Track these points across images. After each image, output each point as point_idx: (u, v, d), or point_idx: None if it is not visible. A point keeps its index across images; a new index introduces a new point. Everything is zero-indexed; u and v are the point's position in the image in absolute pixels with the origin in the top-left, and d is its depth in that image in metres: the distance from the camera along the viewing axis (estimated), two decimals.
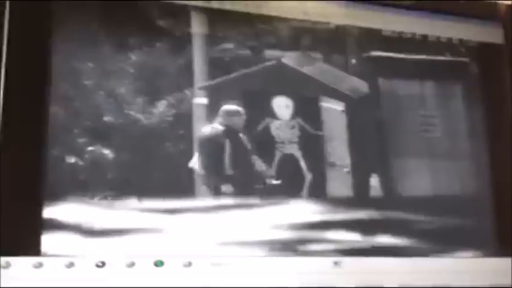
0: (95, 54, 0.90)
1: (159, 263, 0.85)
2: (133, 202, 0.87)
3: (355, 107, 1.02)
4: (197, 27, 0.97)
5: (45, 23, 0.88)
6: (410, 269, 0.96)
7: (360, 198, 0.99)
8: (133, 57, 0.92)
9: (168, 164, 0.90)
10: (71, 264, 0.82)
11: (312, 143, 0.99)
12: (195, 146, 0.92)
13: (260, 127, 0.97)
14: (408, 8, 1.09)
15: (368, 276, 0.94)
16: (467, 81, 1.10)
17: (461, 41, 1.10)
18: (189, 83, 0.94)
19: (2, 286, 0.78)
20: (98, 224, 0.85)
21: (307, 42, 1.03)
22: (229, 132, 0.94)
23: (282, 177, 0.95)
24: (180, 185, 0.90)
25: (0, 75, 0.84)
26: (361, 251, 0.95)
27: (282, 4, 1.02)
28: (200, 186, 0.91)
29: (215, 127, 0.94)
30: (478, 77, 1.10)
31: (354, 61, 1.05)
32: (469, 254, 1.01)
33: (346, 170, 0.99)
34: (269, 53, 1.00)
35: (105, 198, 0.86)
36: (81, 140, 0.87)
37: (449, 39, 1.10)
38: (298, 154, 0.97)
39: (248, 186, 0.93)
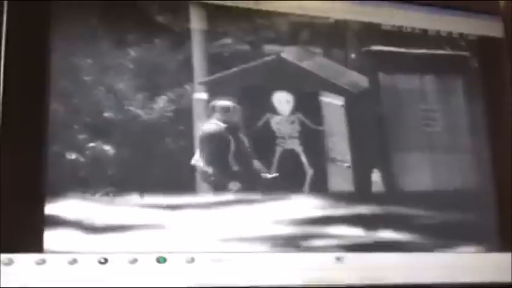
0: (94, 50, 0.90)
1: (161, 260, 0.85)
2: (135, 198, 0.87)
3: (355, 101, 1.02)
4: (196, 22, 0.97)
5: (44, 19, 0.88)
6: (413, 265, 0.96)
7: (361, 193, 0.99)
8: (133, 53, 0.92)
9: (169, 160, 0.90)
10: (73, 261, 0.82)
11: (313, 138, 0.99)
12: (196, 142, 0.92)
13: (260, 122, 0.97)
14: (408, 2, 1.08)
15: (370, 272, 0.94)
16: (467, 75, 1.09)
17: (461, 35, 1.10)
18: (189, 78, 0.94)
19: (4, 283, 0.78)
20: (100, 221, 0.85)
21: (306, 37, 1.03)
22: (229, 128, 0.94)
23: (283, 172, 0.95)
24: (181, 181, 0.90)
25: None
26: (363, 246, 0.95)
27: None
28: (202, 182, 0.91)
29: (214, 123, 0.94)
30: (478, 70, 1.10)
31: (353, 55, 1.05)
32: (471, 249, 1.01)
33: (346, 165, 0.99)
34: (268, 47, 1.00)
35: (107, 194, 0.86)
36: (81, 137, 0.87)
37: (449, 33, 1.10)
38: (299, 149, 0.97)
39: (250, 182, 0.93)
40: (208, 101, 0.94)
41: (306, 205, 0.95)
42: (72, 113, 0.87)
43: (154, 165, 0.89)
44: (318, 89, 1.01)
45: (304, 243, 0.93)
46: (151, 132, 0.90)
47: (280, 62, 1.00)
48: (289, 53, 1.01)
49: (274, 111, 0.98)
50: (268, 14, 1.01)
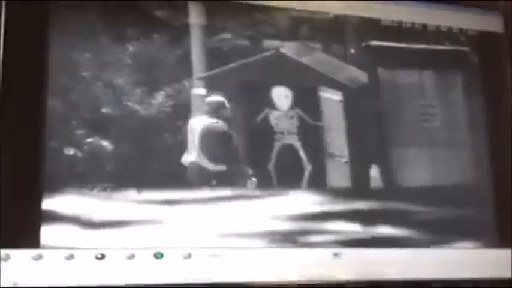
0: (92, 45, 0.90)
1: (159, 255, 0.85)
2: (132, 194, 0.87)
3: (354, 97, 1.02)
4: (195, 17, 0.96)
5: (43, 14, 0.87)
6: (411, 260, 0.96)
7: (359, 189, 0.98)
8: (131, 48, 0.92)
9: (167, 156, 0.90)
10: (70, 257, 0.82)
11: (311, 134, 0.98)
12: (195, 137, 0.92)
13: (259, 117, 0.96)
14: None
15: (368, 267, 0.94)
16: (467, 71, 1.09)
17: (461, 30, 1.10)
18: (188, 73, 0.94)
19: (1, 278, 0.78)
20: (97, 216, 0.85)
21: (305, 32, 1.03)
22: (227, 123, 0.94)
23: (282, 167, 0.95)
24: (179, 177, 0.90)
25: None
26: (361, 242, 0.95)
27: None
28: (200, 177, 0.91)
29: (212, 118, 0.94)
30: (478, 66, 1.09)
31: (352, 51, 1.04)
32: (470, 244, 1.01)
33: (344, 160, 0.99)
34: (267, 43, 1.00)
35: (104, 189, 0.86)
36: (79, 132, 0.87)
37: (449, 28, 1.09)
38: (297, 144, 0.97)
39: (249, 178, 0.93)
40: (207, 97, 0.94)
41: (304, 201, 0.94)
42: (70, 109, 0.87)
43: (152, 161, 0.89)
44: (316, 84, 1.01)
45: (302, 239, 0.93)
46: (149, 127, 0.90)
47: (280, 57, 1.00)
48: (288, 48, 1.01)
49: (273, 106, 0.98)
50: (267, 9, 1.01)
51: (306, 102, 0.99)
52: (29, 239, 0.81)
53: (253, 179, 0.93)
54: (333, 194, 0.96)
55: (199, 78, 0.94)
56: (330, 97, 1.00)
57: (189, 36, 0.96)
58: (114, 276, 0.83)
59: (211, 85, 0.95)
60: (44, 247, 0.81)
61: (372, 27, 1.06)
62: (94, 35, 0.91)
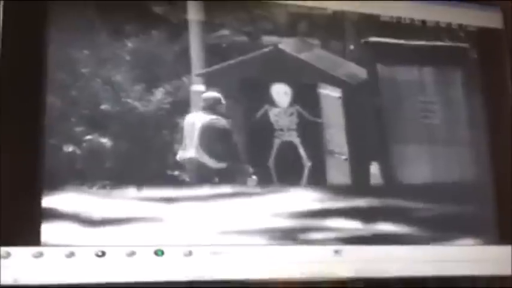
0: (91, 42, 0.90)
1: (159, 252, 0.85)
2: (132, 191, 0.87)
3: (353, 93, 1.02)
4: (194, 13, 0.96)
5: (41, 11, 0.87)
6: (411, 257, 0.96)
7: (359, 186, 0.98)
8: (130, 44, 0.92)
9: (166, 152, 0.90)
10: (71, 254, 0.82)
11: (311, 130, 0.98)
12: (195, 133, 0.92)
13: (259, 114, 0.96)
14: None
15: (369, 264, 0.94)
16: (466, 67, 1.09)
17: (460, 26, 1.10)
18: (187, 70, 0.94)
19: (2, 276, 0.78)
20: (98, 214, 0.84)
21: (304, 28, 1.03)
22: (227, 120, 0.94)
23: (281, 165, 0.95)
24: (179, 174, 0.90)
25: None
26: (361, 239, 0.95)
27: None
28: (200, 175, 0.91)
29: (212, 115, 0.93)
30: (477, 62, 1.09)
31: (352, 47, 1.04)
32: (470, 241, 1.01)
33: (343, 157, 0.99)
34: (266, 39, 1.00)
35: (104, 187, 0.86)
36: (78, 129, 0.87)
37: (449, 24, 1.09)
38: (297, 141, 0.97)
39: (248, 175, 0.93)
40: (204, 93, 0.94)
41: (304, 198, 0.94)
42: (69, 105, 0.87)
43: (151, 158, 0.89)
44: (316, 80, 1.01)
45: (302, 236, 0.92)
46: (148, 124, 0.90)
47: (278, 53, 1.00)
48: (287, 45, 1.01)
49: (272, 103, 0.97)
50: (266, 5, 1.00)
51: (306, 98, 0.99)
52: (29, 236, 0.81)
53: (254, 176, 0.93)
54: (332, 191, 0.96)
55: (198, 75, 0.94)
56: (329, 94, 1.00)
57: (188, 33, 0.95)
58: (115, 273, 0.83)
59: (210, 82, 0.94)
60: (45, 245, 0.81)
61: (371, 23, 1.06)
62: (92, 31, 0.90)
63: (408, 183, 1.01)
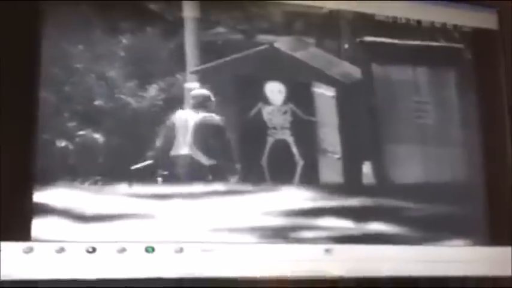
0: (85, 37, 0.90)
1: (150, 249, 0.85)
2: (123, 187, 0.87)
3: (347, 92, 1.01)
4: (189, 11, 0.96)
5: (35, 6, 0.87)
6: (402, 257, 0.96)
7: (352, 185, 0.98)
8: (125, 40, 0.92)
9: (159, 149, 0.90)
10: (61, 250, 0.82)
11: (304, 129, 0.98)
12: (189, 130, 0.92)
13: (252, 112, 0.96)
14: None
15: (359, 264, 0.94)
16: (461, 67, 1.09)
17: (455, 26, 1.10)
18: (181, 67, 0.94)
19: None
20: (89, 209, 0.84)
21: (300, 27, 1.02)
22: (220, 117, 0.94)
23: (274, 163, 0.95)
24: (171, 171, 0.90)
25: None
26: (352, 238, 0.95)
27: None
28: (192, 172, 0.91)
29: (205, 112, 0.93)
30: (471, 63, 1.09)
31: (346, 46, 1.04)
32: (461, 242, 1.01)
33: (337, 156, 0.99)
34: (261, 37, 1.00)
35: (95, 183, 0.86)
36: (71, 124, 0.87)
37: (444, 25, 1.09)
38: (290, 140, 0.97)
39: (241, 173, 0.93)
40: (194, 91, 0.94)
41: (296, 196, 0.94)
42: (63, 101, 0.87)
43: (143, 154, 0.89)
44: (310, 79, 1.00)
45: (294, 235, 0.92)
46: (141, 120, 0.90)
47: (274, 51, 1.00)
48: (282, 43, 1.01)
49: (266, 101, 0.97)
50: (262, 3, 1.00)
51: (300, 97, 0.99)
52: (20, 231, 0.81)
53: (246, 174, 0.93)
54: (325, 190, 0.96)
55: (193, 72, 0.94)
56: (324, 93, 1.00)
57: (183, 30, 0.95)
58: (105, 269, 0.83)
59: (205, 79, 0.94)
60: (35, 240, 0.81)
61: (366, 22, 1.06)
62: (87, 27, 0.90)
63: (401, 183, 1.01)
